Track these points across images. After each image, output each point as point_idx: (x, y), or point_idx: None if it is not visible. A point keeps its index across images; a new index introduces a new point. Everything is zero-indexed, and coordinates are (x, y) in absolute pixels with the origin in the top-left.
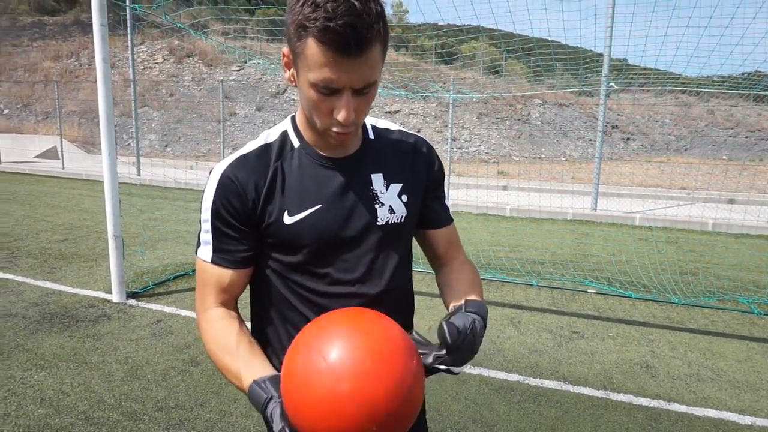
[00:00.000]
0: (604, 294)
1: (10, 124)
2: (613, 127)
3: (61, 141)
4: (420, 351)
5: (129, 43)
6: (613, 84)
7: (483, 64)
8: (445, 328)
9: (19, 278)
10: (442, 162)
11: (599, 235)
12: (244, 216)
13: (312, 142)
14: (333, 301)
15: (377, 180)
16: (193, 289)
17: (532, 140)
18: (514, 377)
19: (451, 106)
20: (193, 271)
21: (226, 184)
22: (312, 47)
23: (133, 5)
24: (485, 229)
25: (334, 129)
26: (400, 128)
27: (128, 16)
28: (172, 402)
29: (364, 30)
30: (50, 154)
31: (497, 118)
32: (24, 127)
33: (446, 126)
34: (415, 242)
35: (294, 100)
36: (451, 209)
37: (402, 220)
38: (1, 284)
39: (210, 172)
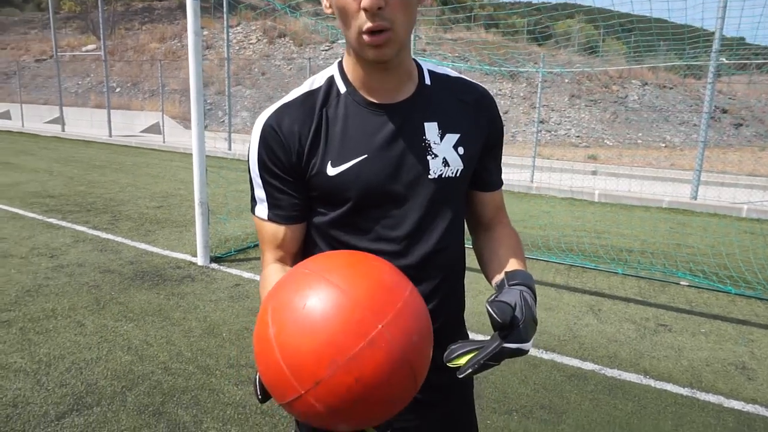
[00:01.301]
0: (699, 287)
1: (121, 101)
2: (723, 111)
3: (163, 117)
4: (473, 348)
5: (225, 24)
6: (723, 58)
7: (578, 42)
8: (492, 310)
9: (119, 239)
10: (528, 144)
11: (698, 225)
12: (289, 167)
13: (359, 85)
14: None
15: (431, 129)
16: None
17: (628, 124)
18: (589, 366)
19: (540, 85)
20: None
21: (270, 134)
22: None
23: None
24: (570, 214)
25: (365, 27)
26: (462, 76)
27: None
28: (243, 360)
29: None
30: (154, 129)
31: (590, 100)
32: (132, 104)
33: (534, 107)
34: None
35: None
36: (534, 192)
37: (457, 174)
38: (103, 243)
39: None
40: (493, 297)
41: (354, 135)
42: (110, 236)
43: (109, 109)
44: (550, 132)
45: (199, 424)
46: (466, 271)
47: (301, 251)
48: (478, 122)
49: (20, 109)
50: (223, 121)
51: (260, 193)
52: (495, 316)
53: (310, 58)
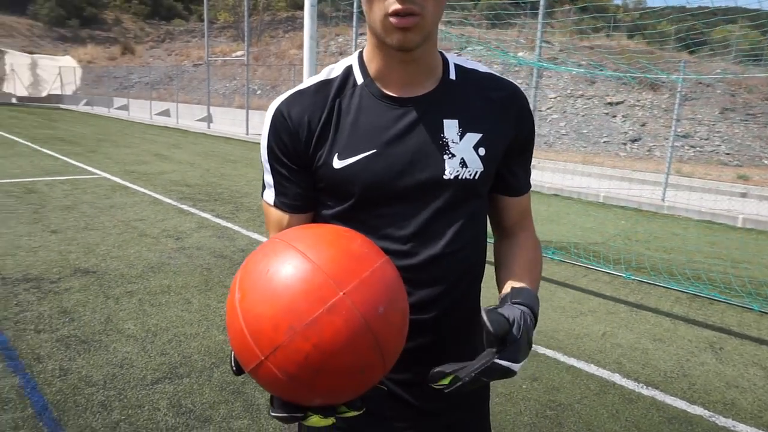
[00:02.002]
0: None
1: (261, 102)
2: None
3: None
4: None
5: (354, 32)
6: None
7: (738, 50)
8: (487, 319)
9: (236, 227)
10: (665, 160)
11: None
12: (296, 156)
13: (378, 76)
14: None
15: (450, 127)
16: None
17: None
18: (697, 410)
19: (678, 95)
20: None
21: (279, 121)
22: None
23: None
24: (704, 239)
25: (392, 8)
26: (491, 71)
27: (354, 6)
28: None
29: None
30: None
31: (748, 114)
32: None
33: (679, 120)
34: None
35: None
36: (665, 211)
37: (475, 177)
38: (222, 230)
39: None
40: (491, 308)
41: (365, 128)
42: (229, 224)
43: (248, 109)
44: (694, 148)
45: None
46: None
47: None
48: (505, 122)
49: (176, 107)
50: None
51: (268, 178)
52: (489, 326)
53: None
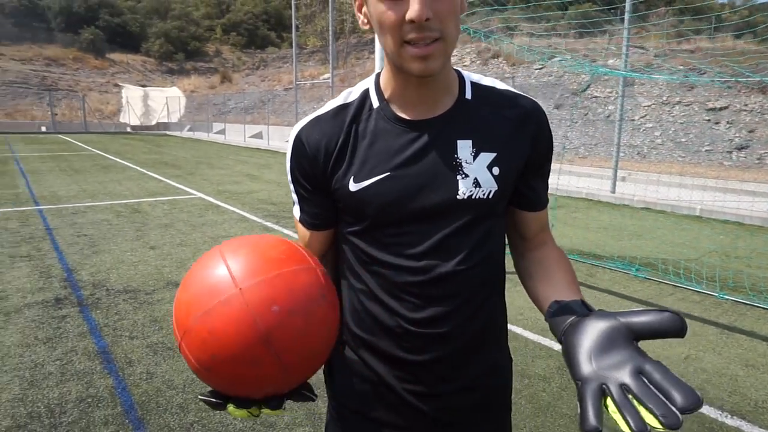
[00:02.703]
0: None
1: None
2: None
3: None
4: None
5: None
6: None
7: None
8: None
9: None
10: None
11: None
12: (314, 179)
13: (393, 99)
14: (397, 273)
15: (464, 147)
16: None
17: None
18: None
19: None
20: None
21: (298, 147)
22: None
23: None
24: None
25: (409, 37)
26: (510, 88)
27: None
28: None
29: None
30: None
31: None
32: None
33: None
34: None
35: (596, 97)
36: None
37: (489, 196)
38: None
39: None
40: (630, 311)
41: (379, 152)
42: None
43: None
44: None
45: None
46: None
47: (329, 253)
48: (520, 140)
49: (267, 130)
50: None
51: (294, 196)
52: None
53: (510, 76)
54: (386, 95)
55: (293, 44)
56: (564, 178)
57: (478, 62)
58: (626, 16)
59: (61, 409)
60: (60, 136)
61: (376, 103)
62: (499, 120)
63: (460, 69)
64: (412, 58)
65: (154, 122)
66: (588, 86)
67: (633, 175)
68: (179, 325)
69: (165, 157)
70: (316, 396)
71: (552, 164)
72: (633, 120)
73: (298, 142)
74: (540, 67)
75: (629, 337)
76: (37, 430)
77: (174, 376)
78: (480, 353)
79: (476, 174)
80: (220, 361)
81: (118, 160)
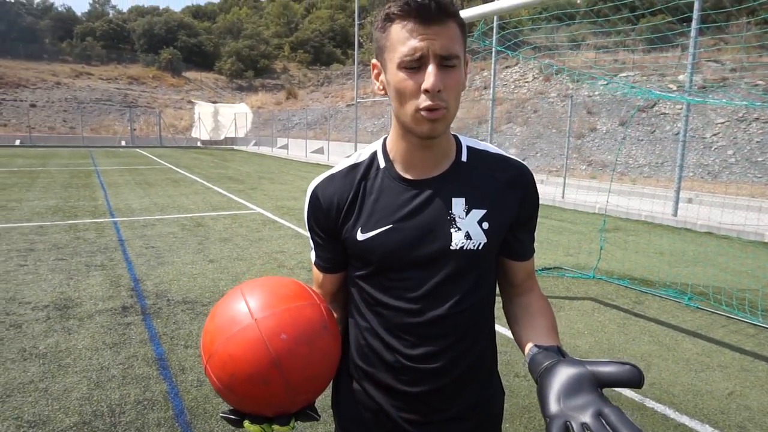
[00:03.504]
0: None
1: None
2: None
3: None
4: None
5: (492, 70)
6: None
7: None
8: (628, 371)
9: None
10: None
11: None
12: (327, 229)
13: (398, 160)
14: (396, 314)
15: (458, 204)
16: None
17: None
18: None
19: None
20: None
21: (314, 200)
22: (396, 28)
23: (483, 40)
24: None
25: (424, 104)
26: (501, 152)
27: (493, 42)
28: None
29: (440, 2)
30: None
31: None
32: None
33: None
34: None
35: (664, 113)
36: None
37: (479, 248)
38: None
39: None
40: (597, 361)
41: (384, 206)
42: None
43: None
44: None
45: None
46: None
47: (339, 294)
48: (509, 200)
49: (328, 145)
50: None
51: (311, 242)
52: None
53: (567, 94)
54: (391, 156)
55: (355, 60)
56: (623, 199)
57: (540, 78)
58: (692, 31)
59: (121, 409)
60: (137, 150)
61: (382, 164)
62: (491, 181)
63: (458, 134)
64: (422, 122)
65: (222, 137)
66: (635, 113)
67: (700, 196)
68: (205, 351)
69: (230, 172)
70: (319, 416)
71: (611, 184)
72: (704, 138)
73: (314, 197)
74: (605, 83)
75: (594, 384)
76: (99, 427)
77: None
78: (470, 387)
79: (468, 228)
80: (238, 381)
81: (187, 174)
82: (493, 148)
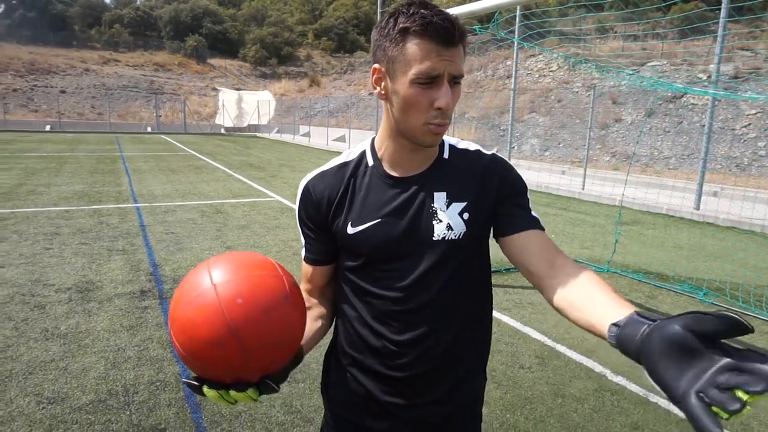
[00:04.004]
0: None
1: None
2: None
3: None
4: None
5: (514, 58)
6: None
7: None
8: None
9: None
10: None
11: None
12: (318, 222)
13: (385, 159)
14: (384, 302)
15: (439, 198)
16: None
17: None
18: None
19: None
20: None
21: (306, 195)
22: (413, 45)
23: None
24: None
25: (435, 121)
26: (480, 148)
27: (516, 33)
28: None
29: (457, 25)
30: None
31: None
32: None
33: None
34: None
35: (693, 104)
36: None
37: (459, 237)
38: None
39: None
40: (688, 315)
41: (372, 202)
42: None
43: None
44: None
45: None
46: None
47: (327, 289)
48: (486, 188)
49: (349, 133)
50: (514, 147)
51: (302, 237)
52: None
53: (591, 85)
54: (379, 155)
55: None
56: (645, 192)
57: (565, 67)
58: (721, 18)
59: (135, 389)
60: (162, 136)
61: (370, 162)
62: (468, 174)
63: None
64: (428, 134)
65: (245, 124)
66: (657, 103)
67: (727, 190)
68: (170, 317)
69: (252, 159)
70: (278, 389)
71: (628, 176)
72: (734, 129)
73: (306, 192)
74: (633, 71)
75: (698, 342)
76: (114, 405)
77: None
78: (453, 373)
79: (449, 219)
80: (196, 345)
81: (209, 161)
82: (472, 146)
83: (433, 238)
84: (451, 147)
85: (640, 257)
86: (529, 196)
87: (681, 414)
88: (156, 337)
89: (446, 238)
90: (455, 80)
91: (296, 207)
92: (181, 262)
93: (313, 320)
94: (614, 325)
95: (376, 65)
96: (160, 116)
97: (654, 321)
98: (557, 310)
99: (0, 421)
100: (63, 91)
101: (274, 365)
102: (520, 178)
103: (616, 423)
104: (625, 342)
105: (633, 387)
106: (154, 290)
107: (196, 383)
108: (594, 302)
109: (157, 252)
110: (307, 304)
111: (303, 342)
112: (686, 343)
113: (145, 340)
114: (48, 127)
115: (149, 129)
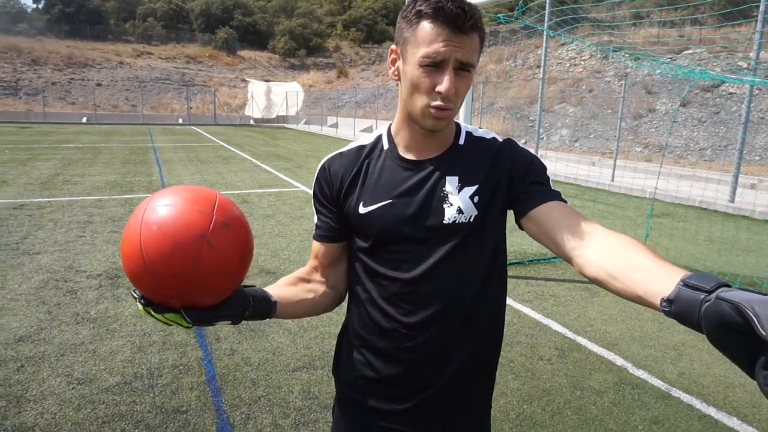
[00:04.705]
0: None
1: None
2: None
3: None
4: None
5: (543, 47)
6: None
7: None
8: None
9: None
10: None
11: None
12: (331, 200)
13: (401, 143)
14: (394, 284)
15: (451, 182)
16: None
17: None
18: None
19: None
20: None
21: (322, 173)
22: (425, 27)
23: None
24: None
25: (435, 103)
26: (495, 136)
27: (545, 21)
28: None
29: (470, 13)
30: None
31: None
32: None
33: None
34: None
35: (731, 93)
36: None
37: (470, 220)
38: None
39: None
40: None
41: (384, 184)
42: None
43: None
44: None
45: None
46: None
47: (332, 271)
48: (497, 171)
49: (376, 124)
50: (542, 138)
51: (315, 214)
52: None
53: (627, 74)
54: (395, 139)
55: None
56: (678, 184)
57: (597, 55)
58: (762, 3)
59: (159, 372)
60: (192, 127)
61: (386, 146)
62: (482, 159)
63: (460, 122)
64: (429, 117)
65: (274, 115)
66: (689, 91)
67: (765, 182)
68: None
69: (279, 150)
70: (191, 325)
71: (661, 167)
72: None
73: (323, 170)
74: (668, 61)
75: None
76: (138, 387)
77: (252, 354)
78: (461, 354)
79: (460, 203)
80: (122, 255)
81: (237, 152)
82: (489, 134)
83: (444, 222)
84: (468, 134)
85: (669, 251)
86: (548, 175)
87: (703, 409)
88: None
89: (456, 222)
90: (464, 68)
91: (312, 186)
92: None
93: (305, 291)
94: (666, 300)
95: (393, 46)
96: (191, 108)
97: (708, 291)
98: (594, 281)
99: (33, 399)
100: (99, 84)
101: (192, 299)
102: (536, 158)
103: (636, 417)
104: (683, 319)
105: (655, 381)
106: None
107: (135, 294)
108: (636, 271)
109: None
110: (308, 278)
111: (280, 302)
112: (742, 328)
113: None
114: (84, 119)
115: (180, 120)
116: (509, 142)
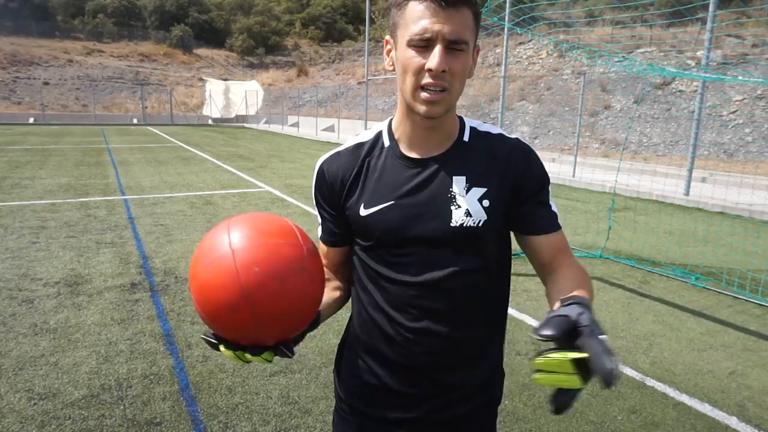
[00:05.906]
0: None
1: None
2: None
3: None
4: None
5: (504, 46)
6: None
7: None
8: (542, 331)
9: None
10: None
11: None
12: (332, 203)
13: (402, 140)
14: (398, 288)
15: (459, 182)
16: None
17: None
18: None
19: None
20: None
21: (320, 175)
22: (412, 6)
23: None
24: None
25: (424, 81)
26: (501, 132)
27: (506, 19)
28: None
29: None
30: None
31: None
32: None
33: None
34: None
35: (680, 91)
36: None
37: (479, 224)
38: None
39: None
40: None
41: (386, 184)
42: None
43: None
44: None
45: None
46: None
47: (344, 267)
48: (506, 176)
49: (338, 123)
50: None
51: (318, 217)
52: (548, 332)
53: (584, 71)
54: (396, 136)
55: (366, 38)
56: (635, 178)
57: (554, 54)
58: (711, 5)
59: (128, 383)
60: (149, 128)
61: (387, 143)
62: (491, 159)
63: (463, 116)
64: (422, 100)
65: (233, 115)
66: (646, 91)
67: (715, 176)
68: (190, 273)
69: (240, 150)
70: (293, 354)
71: (620, 162)
72: (721, 116)
73: (321, 173)
74: (621, 59)
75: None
76: (107, 400)
77: (226, 361)
78: (469, 362)
79: (468, 206)
80: (212, 306)
81: (197, 152)
82: (495, 129)
83: (451, 225)
84: (473, 129)
85: (632, 243)
86: (549, 189)
87: (677, 397)
88: (148, 330)
89: (464, 225)
90: (455, 46)
91: (312, 187)
92: (171, 254)
93: (331, 290)
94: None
95: (387, 36)
96: (146, 107)
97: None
98: (547, 297)
99: None
100: (46, 83)
101: (289, 332)
102: (543, 167)
103: (614, 407)
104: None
105: (629, 371)
106: (145, 282)
107: (214, 341)
108: (559, 292)
109: (147, 244)
110: (327, 277)
111: (321, 308)
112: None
113: (137, 333)
114: (31, 120)
115: (135, 120)
116: (525, 150)
